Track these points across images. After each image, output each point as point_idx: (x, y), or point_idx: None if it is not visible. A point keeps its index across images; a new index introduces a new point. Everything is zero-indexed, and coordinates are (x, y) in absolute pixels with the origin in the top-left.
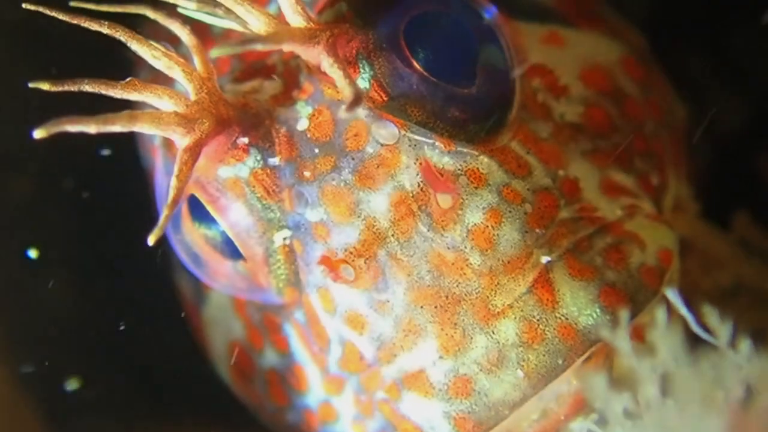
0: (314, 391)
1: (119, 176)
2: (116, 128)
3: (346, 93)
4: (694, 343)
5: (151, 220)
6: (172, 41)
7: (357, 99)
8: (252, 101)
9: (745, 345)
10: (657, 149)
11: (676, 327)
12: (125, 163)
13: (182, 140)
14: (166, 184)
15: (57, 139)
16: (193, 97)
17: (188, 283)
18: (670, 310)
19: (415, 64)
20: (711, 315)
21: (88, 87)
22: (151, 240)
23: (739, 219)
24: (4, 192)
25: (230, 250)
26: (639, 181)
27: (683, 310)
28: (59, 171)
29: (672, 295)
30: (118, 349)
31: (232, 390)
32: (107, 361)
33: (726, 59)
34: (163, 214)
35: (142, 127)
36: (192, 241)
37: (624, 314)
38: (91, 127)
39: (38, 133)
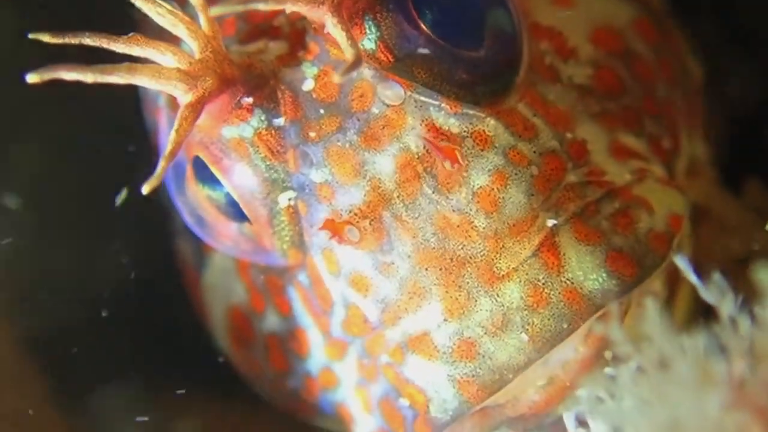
0: (315, 355)
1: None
2: (114, 80)
3: (347, 54)
4: (703, 306)
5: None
6: (178, 2)
7: (356, 62)
8: (257, 62)
9: (749, 316)
10: (669, 112)
11: (683, 291)
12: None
13: (184, 96)
14: (166, 140)
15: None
16: (197, 56)
17: (189, 248)
18: (679, 276)
19: (422, 25)
20: (718, 284)
21: (89, 40)
22: (146, 189)
23: (751, 186)
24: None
25: (235, 211)
26: (650, 145)
27: (692, 277)
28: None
29: (681, 261)
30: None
31: (229, 358)
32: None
33: (740, 26)
34: (160, 165)
35: (141, 81)
36: (196, 203)
37: (614, 308)
38: (87, 77)
39: (31, 78)
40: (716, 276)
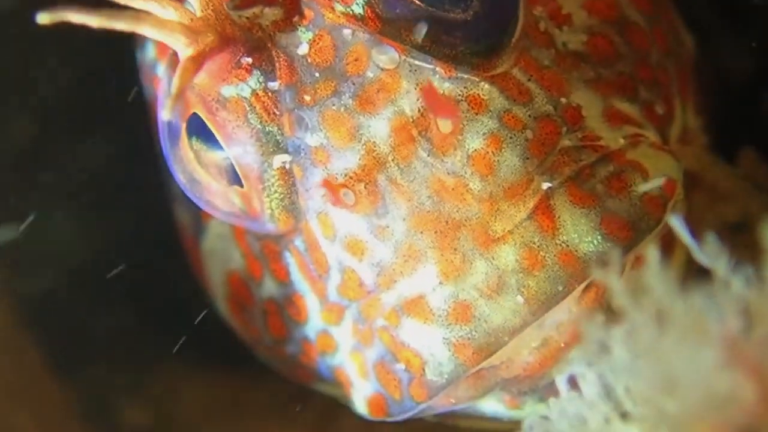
0: (313, 320)
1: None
2: (119, 26)
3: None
4: (695, 273)
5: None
6: None
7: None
8: (255, 26)
9: (744, 275)
10: (663, 79)
11: (676, 258)
12: None
13: (185, 50)
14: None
15: None
16: (198, 14)
17: (187, 214)
18: (674, 238)
19: None
20: (712, 243)
21: None
22: (164, 115)
23: (745, 155)
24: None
25: (228, 173)
26: (643, 111)
27: (687, 238)
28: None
29: (676, 222)
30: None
31: (229, 324)
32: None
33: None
34: (167, 104)
35: (144, 29)
36: (190, 164)
37: (616, 254)
38: (93, 21)
39: (41, 18)
40: (710, 237)
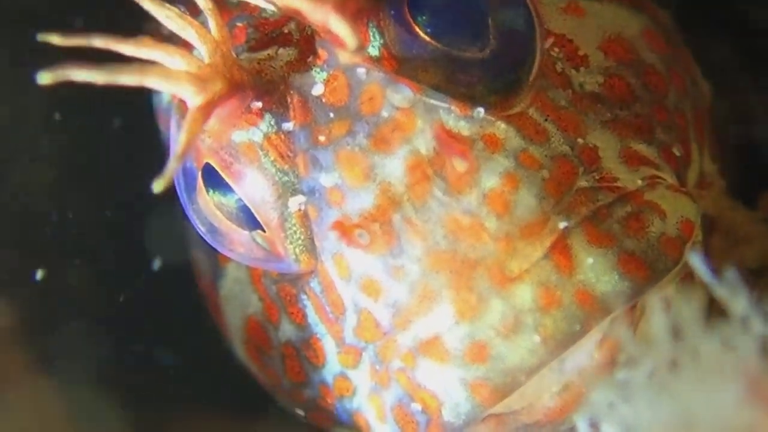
0: (330, 363)
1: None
2: (124, 80)
3: (349, 41)
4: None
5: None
6: (190, 11)
7: (360, 48)
8: (267, 68)
9: (763, 312)
10: (679, 122)
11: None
12: None
13: (193, 99)
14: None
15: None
16: (206, 60)
17: (205, 258)
18: (693, 282)
19: (419, 32)
20: (731, 279)
21: (98, 42)
22: (156, 188)
23: (765, 199)
24: None
25: (247, 218)
26: (661, 153)
27: (706, 274)
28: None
29: (695, 259)
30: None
31: (248, 369)
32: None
33: (749, 42)
34: (170, 164)
35: (151, 82)
36: (208, 212)
37: (623, 306)
38: (98, 78)
39: (43, 78)
40: (729, 273)
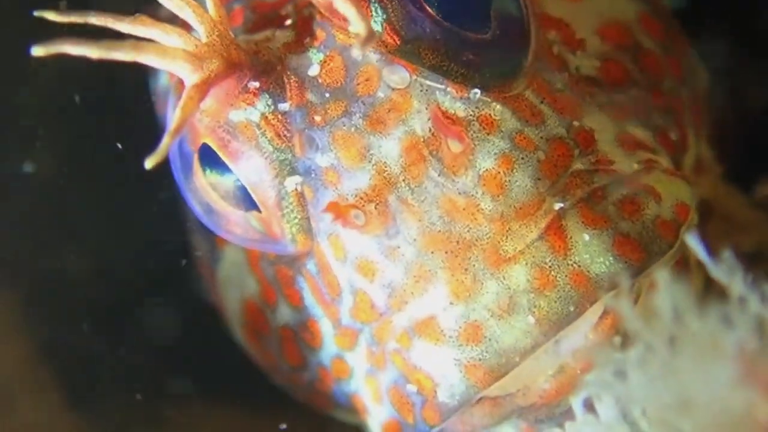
0: (327, 345)
1: None
2: (119, 56)
3: (360, 29)
4: (712, 298)
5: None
6: None
7: (371, 35)
8: (264, 48)
9: (760, 293)
10: (676, 107)
11: (692, 284)
12: None
13: (190, 77)
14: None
15: None
16: (204, 39)
17: (203, 242)
18: (689, 264)
19: (428, 7)
20: (728, 260)
21: (94, 20)
22: (148, 164)
23: (763, 185)
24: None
25: (243, 199)
26: (657, 137)
27: (702, 255)
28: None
29: (692, 240)
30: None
31: (246, 351)
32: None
33: (751, 34)
34: (164, 141)
35: (146, 58)
36: (205, 192)
37: (625, 281)
38: (93, 52)
39: (37, 51)
40: (726, 254)
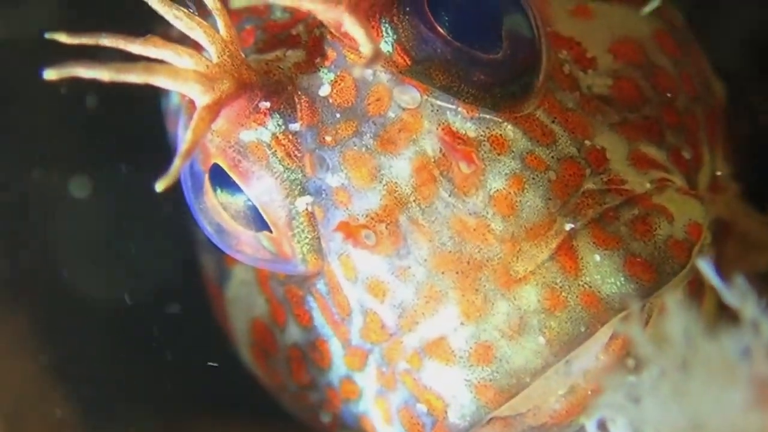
0: (336, 366)
1: None
2: (131, 79)
3: (366, 49)
4: (726, 321)
5: None
6: (199, 13)
7: (376, 55)
8: (274, 68)
9: None
10: (690, 125)
11: (705, 306)
12: None
13: (201, 98)
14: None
15: None
16: (215, 60)
17: (212, 261)
18: (702, 286)
19: (439, 28)
20: (741, 285)
21: (106, 41)
22: (159, 186)
23: None
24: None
25: (253, 219)
26: (670, 156)
27: (715, 280)
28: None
29: (704, 265)
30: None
31: (253, 372)
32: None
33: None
34: (175, 163)
35: (158, 80)
36: (215, 212)
37: (636, 305)
38: (104, 75)
39: (48, 74)
40: (739, 280)
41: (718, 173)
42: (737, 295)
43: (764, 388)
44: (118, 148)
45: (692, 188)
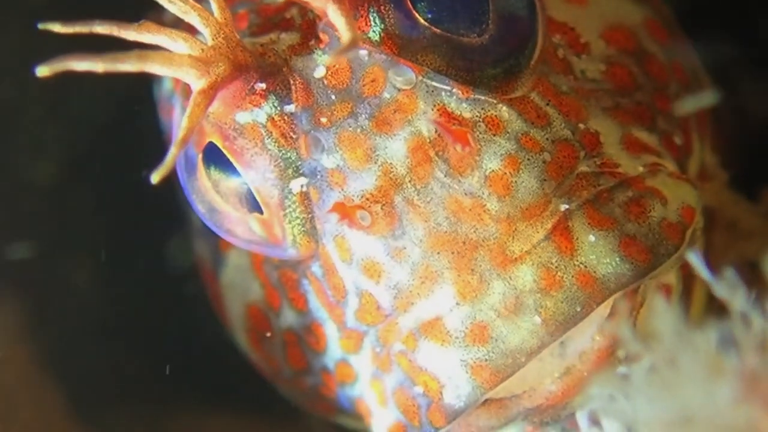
0: (331, 349)
1: None
2: (126, 68)
3: (343, 37)
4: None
5: None
6: None
7: (351, 44)
8: (269, 51)
9: (762, 309)
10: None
11: (696, 295)
12: None
13: (197, 83)
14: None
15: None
16: (209, 42)
17: (206, 247)
18: (694, 275)
19: (420, 18)
20: (730, 277)
21: (99, 29)
22: (155, 178)
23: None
24: None
25: (246, 200)
26: (662, 140)
27: (704, 272)
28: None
29: (693, 257)
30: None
31: (248, 358)
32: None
33: (753, 43)
34: (171, 150)
35: (153, 67)
36: (208, 191)
37: (623, 306)
38: (98, 66)
39: (41, 71)
40: (728, 272)
41: (707, 161)
42: (726, 287)
43: (753, 382)
44: None
45: (683, 174)
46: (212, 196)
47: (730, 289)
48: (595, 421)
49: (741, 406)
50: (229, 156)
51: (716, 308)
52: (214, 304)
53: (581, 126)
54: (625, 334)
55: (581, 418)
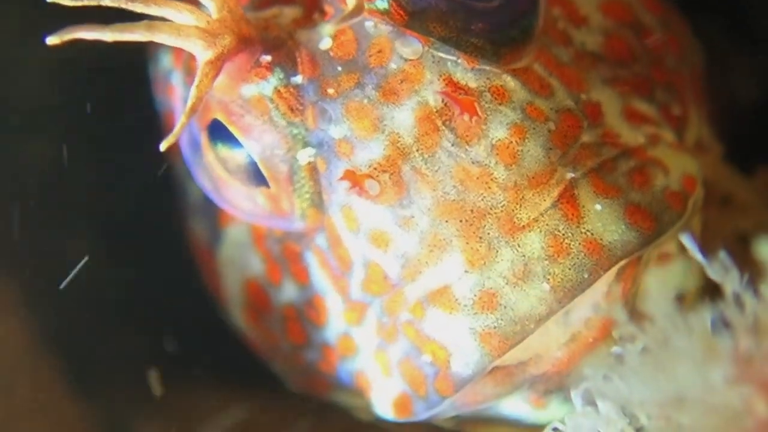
0: (334, 322)
1: None
2: (134, 37)
3: (349, 2)
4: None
5: None
6: None
7: (356, 10)
8: (273, 24)
9: (753, 293)
10: (678, 83)
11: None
12: None
13: (203, 54)
14: (185, 99)
15: None
16: (215, 15)
17: (202, 225)
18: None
19: None
20: (723, 261)
21: (107, 1)
22: (163, 146)
23: (763, 171)
24: None
25: (252, 174)
26: (661, 112)
27: (698, 256)
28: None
29: (686, 239)
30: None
31: (243, 335)
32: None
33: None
34: (180, 120)
35: (160, 38)
36: (213, 166)
37: (617, 289)
38: (107, 36)
39: (51, 40)
40: (721, 254)
41: (703, 133)
42: (720, 268)
43: (746, 363)
44: None
45: (681, 143)
46: (219, 172)
47: (722, 271)
48: (589, 400)
49: (734, 387)
50: (234, 132)
51: (709, 291)
52: (209, 282)
53: (583, 96)
54: (619, 315)
55: (576, 398)
